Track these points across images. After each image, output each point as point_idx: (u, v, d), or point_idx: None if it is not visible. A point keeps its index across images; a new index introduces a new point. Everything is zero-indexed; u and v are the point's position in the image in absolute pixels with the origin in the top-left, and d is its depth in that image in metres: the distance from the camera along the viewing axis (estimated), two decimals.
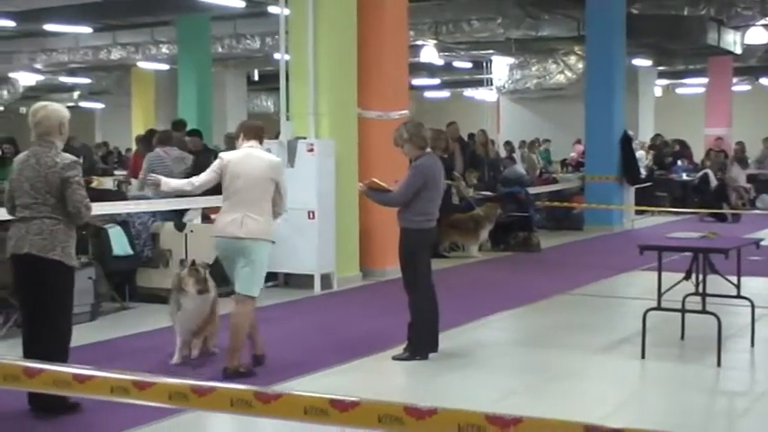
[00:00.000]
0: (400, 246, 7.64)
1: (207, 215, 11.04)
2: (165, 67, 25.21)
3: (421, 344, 7.69)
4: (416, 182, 7.54)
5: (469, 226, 14.44)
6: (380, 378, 7.36)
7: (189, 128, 14.50)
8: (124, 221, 10.33)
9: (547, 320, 9.83)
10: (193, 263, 7.78)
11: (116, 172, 19.42)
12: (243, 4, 16.35)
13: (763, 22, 20.74)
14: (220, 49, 22.87)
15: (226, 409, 2.58)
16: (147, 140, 13.54)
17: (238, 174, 7.04)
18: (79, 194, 5.93)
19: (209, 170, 7.25)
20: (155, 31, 23.12)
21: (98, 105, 35.76)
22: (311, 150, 11.25)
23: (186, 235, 10.52)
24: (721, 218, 20.39)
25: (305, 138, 11.42)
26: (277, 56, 11.71)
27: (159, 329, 9.10)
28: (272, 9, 14.71)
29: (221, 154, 7.62)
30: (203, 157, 13.80)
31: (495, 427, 2.02)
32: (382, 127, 11.88)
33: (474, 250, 14.64)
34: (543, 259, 14.60)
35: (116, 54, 24.11)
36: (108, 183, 15.58)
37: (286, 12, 11.71)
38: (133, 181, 14.18)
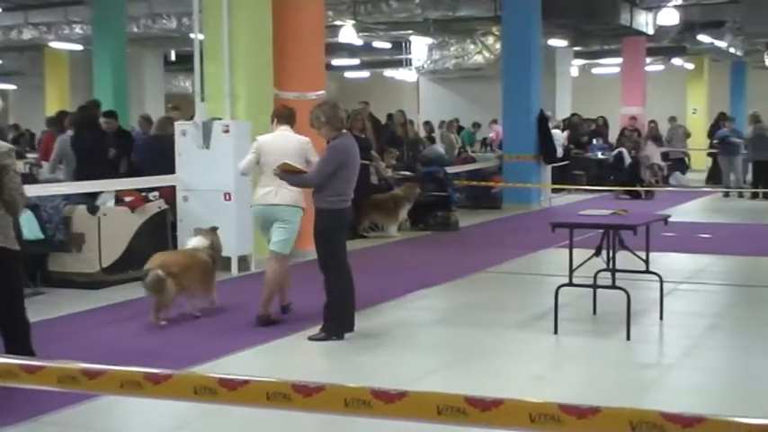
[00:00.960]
0: (315, 226, 7.64)
1: (120, 198, 10.88)
2: (80, 47, 24.69)
3: (337, 324, 7.70)
4: (333, 162, 7.54)
5: (389, 206, 14.50)
6: (295, 358, 7.36)
7: (104, 109, 14.26)
8: (35, 205, 10.11)
9: (464, 298, 9.94)
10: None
11: (28, 155, 18.98)
12: None
13: (674, 3, 21.12)
14: (136, 29, 22.49)
15: (189, 396, 2.47)
16: (59, 122, 13.28)
17: (271, 151, 8.21)
18: (15, 182, 5.95)
19: (250, 152, 8.44)
20: (68, 10, 22.63)
21: (11, 87, 34.91)
22: (227, 131, 11.15)
23: (99, 218, 10.36)
24: (635, 195, 20.80)
25: (221, 119, 11.31)
26: (200, 36, 11.55)
27: (73, 314, 8.98)
28: None
29: (257, 137, 8.79)
30: (126, 140, 13.64)
31: (379, 402, 2.03)
32: (300, 108, 11.59)
33: (393, 230, 14.71)
34: (462, 238, 14.73)
35: (28, 34, 23.54)
36: (19, 165, 15.21)
37: None
38: (44, 164, 13.91)
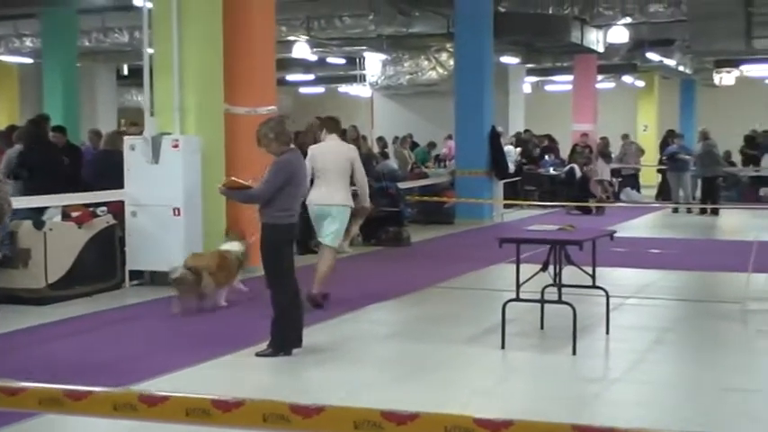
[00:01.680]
0: (261, 241, 7.61)
1: (67, 213, 10.75)
2: (30, 60, 24.44)
3: (284, 339, 7.67)
4: (280, 177, 7.53)
5: None
6: (241, 375, 7.31)
7: (54, 123, 14.13)
8: None
9: (414, 313, 9.95)
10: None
11: None
12: None
13: (623, 21, 21.40)
14: (88, 43, 22.33)
15: (108, 413, 2.47)
16: (7, 136, 13.13)
17: (323, 158, 9.58)
18: (3, 191, 6.09)
19: (306, 162, 8.90)
20: (18, 23, 22.40)
21: None
22: (176, 146, 11.09)
23: (45, 233, 10.23)
24: (586, 211, 20.98)
25: (170, 134, 11.24)
26: (150, 50, 11.50)
27: (19, 330, 8.86)
28: (137, 2, 14.44)
29: (309, 147, 9.93)
30: (75, 154, 13.51)
31: (297, 417, 2.03)
32: (250, 123, 11.72)
33: (345, 245, 14.57)
34: (413, 253, 14.76)
35: None
36: None
37: (149, 5, 11.51)
38: None
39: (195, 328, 8.97)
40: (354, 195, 15.22)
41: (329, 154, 9.69)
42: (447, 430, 2.07)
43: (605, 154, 24.39)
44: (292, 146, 7.82)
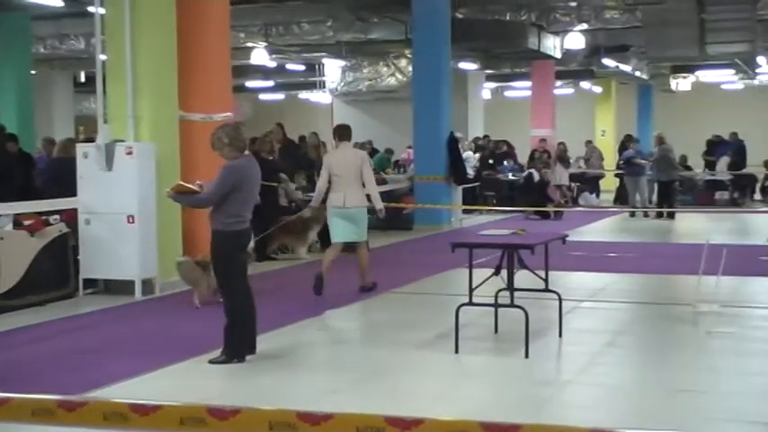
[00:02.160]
0: (212, 248, 7.59)
1: (19, 221, 10.64)
2: None
3: (237, 346, 7.64)
4: (226, 183, 7.51)
5: (297, 227, 14.47)
6: (193, 382, 7.27)
7: (8, 131, 14.00)
8: None
9: (370, 319, 9.99)
10: None
11: None
12: (62, 3, 15.86)
13: (580, 27, 21.58)
14: (43, 50, 22.14)
15: (27, 419, 2.47)
16: None
17: (338, 165, 10.66)
18: None
19: (322, 171, 10.83)
20: None
21: None
22: (130, 153, 11.02)
23: None
24: (545, 215, 21.12)
25: (124, 141, 11.17)
26: (103, 57, 11.42)
27: None
28: (91, 8, 14.34)
29: (324, 155, 11.51)
30: (27, 163, 13.38)
31: (214, 419, 2.03)
32: (205, 129, 11.60)
33: (302, 252, 14.68)
34: (372, 259, 14.70)
35: None
36: None
37: (101, 11, 11.44)
38: None
39: (151, 336, 8.93)
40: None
41: (343, 160, 10.79)
42: (359, 430, 2.08)
43: (564, 159, 24.60)
44: (247, 152, 7.79)
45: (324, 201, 11.04)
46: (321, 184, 11.00)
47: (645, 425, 5.93)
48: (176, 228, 11.79)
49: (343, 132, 11.04)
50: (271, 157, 14.63)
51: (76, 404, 2.21)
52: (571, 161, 25.83)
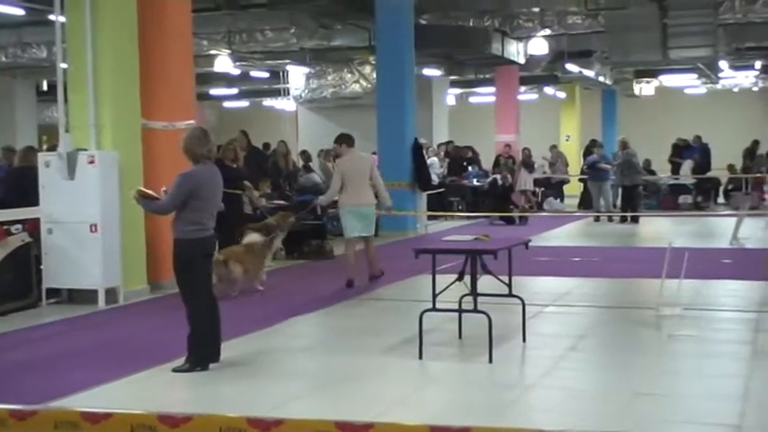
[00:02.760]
0: (173, 257, 7.60)
1: None
2: None
3: (201, 354, 7.65)
4: (182, 190, 7.53)
5: (262, 234, 14.43)
6: (156, 391, 7.27)
7: None
8: None
9: (334, 326, 10.03)
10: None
11: None
12: (23, 12, 15.78)
13: (543, 33, 21.75)
14: (5, 59, 21.99)
15: None
16: None
17: (350, 169, 12.26)
18: None
19: (335, 176, 12.50)
20: None
21: None
22: (92, 162, 10.99)
23: None
24: (510, 220, 21.24)
25: (86, 149, 11.14)
26: (64, 65, 11.38)
27: None
28: (52, 17, 14.30)
29: (338, 161, 12.72)
30: None
31: (165, 426, 2.06)
32: (168, 137, 11.77)
33: (267, 259, 14.63)
34: (336, 266, 14.74)
35: None
36: None
37: (62, 19, 11.40)
38: None
39: (114, 345, 8.91)
40: (280, 208, 15.49)
41: (354, 164, 12.41)
42: (222, 431, 2.14)
43: (528, 164, 24.74)
44: (207, 161, 7.78)
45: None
46: (335, 187, 12.46)
47: (606, 427, 6.01)
48: (140, 236, 11.77)
49: (348, 140, 12.57)
50: (235, 165, 14.60)
51: (27, 413, 2.22)
52: (536, 166, 26.00)
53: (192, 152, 7.65)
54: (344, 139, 12.62)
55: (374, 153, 24.25)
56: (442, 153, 25.52)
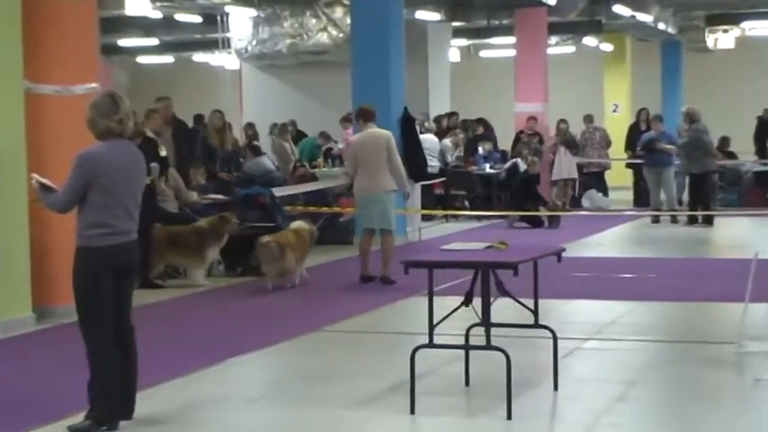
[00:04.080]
0: (72, 271, 7.58)
1: None
2: None
3: (107, 408, 7.62)
4: (78, 180, 7.49)
5: (191, 243, 14.44)
6: None
7: None
8: None
9: (294, 367, 10.04)
10: None
11: None
12: None
13: None
14: None
15: None
16: None
17: (363, 150, 14.03)
18: None
19: (348, 158, 14.67)
20: None
21: None
22: None
23: None
24: (536, 222, 21.26)
25: None
26: None
27: None
28: None
29: (351, 140, 15.09)
30: None
31: None
32: (62, 106, 11.77)
33: (199, 276, 14.65)
34: (295, 285, 14.77)
35: None
36: None
37: None
38: None
39: (10, 390, 8.91)
40: (218, 205, 15.59)
41: (369, 143, 14.06)
42: None
43: (571, 143, 24.69)
44: (118, 137, 7.74)
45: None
46: (350, 172, 14.37)
47: None
48: (23, 245, 11.73)
49: (366, 114, 14.36)
50: (163, 153, 14.65)
51: None
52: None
53: (95, 125, 7.63)
54: (361, 114, 14.50)
55: (347, 119, 24.35)
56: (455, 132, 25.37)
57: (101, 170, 7.57)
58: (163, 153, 14.65)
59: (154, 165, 13.80)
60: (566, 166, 24.02)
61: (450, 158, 24.12)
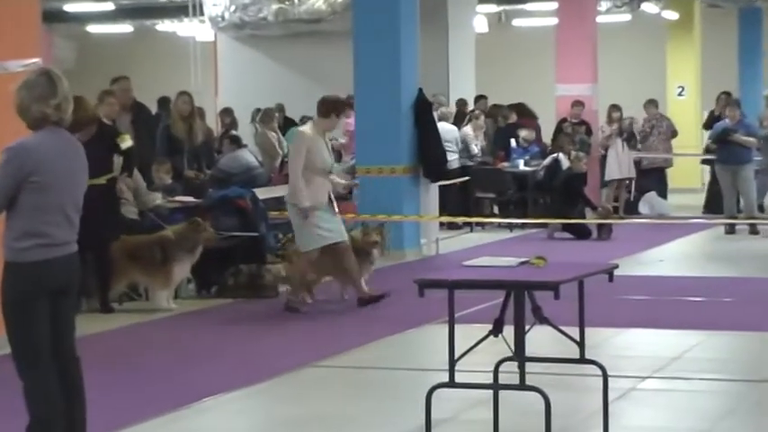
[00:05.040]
0: (0, 292, 7.56)
1: None
2: None
3: None
4: (7, 178, 7.43)
5: (154, 257, 14.42)
6: None
7: None
8: None
9: (277, 412, 10.08)
10: None
11: None
12: None
13: None
14: None
15: None
16: None
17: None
18: None
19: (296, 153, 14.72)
20: None
21: None
22: None
23: None
24: (581, 232, 21.22)
25: None
26: None
27: None
28: None
29: (302, 132, 15.16)
30: None
31: None
32: None
33: (163, 299, 14.63)
34: (282, 309, 14.80)
35: None
36: None
37: None
38: None
39: None
40: (188, 211, 15.62)
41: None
42: None
43: (629, 134, 24.63)
44: (57, 126, 7.75)
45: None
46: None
47: None
48: None
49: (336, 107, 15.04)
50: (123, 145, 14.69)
51: None
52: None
53: (27, 112, 7.61)
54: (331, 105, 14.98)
55: (349, 103, 24.36)
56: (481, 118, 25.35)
57: (36, 167, 7.53)
58: (127, 143, 14.68)
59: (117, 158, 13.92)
60: (624, 163, 24.00)
61: (475, 151, 24.06)
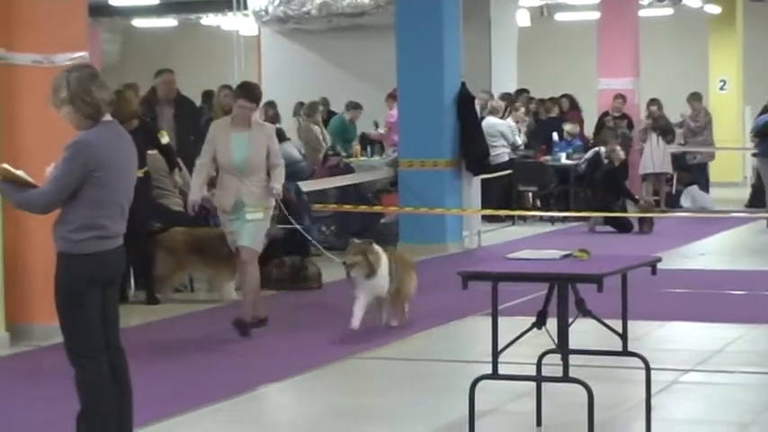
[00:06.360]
0: (55, 283, 7.60)
1: None
2: None
3: None
4: (73, 173, 7.46)
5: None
6: None
7: None
8: None
9: (322, 403, 10.06)
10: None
11: None
12: None
13: None
14: None
15: None
16: None
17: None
18: None
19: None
20: None
21: None
22: None
23: None
24: (623, 225, 21.19)
25: None
26: None
27: None
28: None
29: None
30: None
31: None
32: (41, 79, 11.72)
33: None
34: (326, 301, 14.83)
35: None
36: None
37: None
38: None
39: None
40: None
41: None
42: None
43: (665, 129, 24.56)
44: (107, 118, 7.77)
45: None
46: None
47: None
48: None
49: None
50: (165, 140, 14.74)
51: None
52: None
53: (87, 97, 7.56)
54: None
55: (392, 96, 24.34)
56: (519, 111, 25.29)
57: (100, 162, 7.55)
58: (165, 140, 14.74)
59: (153, 152, 13.93)
60: (657, 157, 23.91)
61: (519, 142, 24.02)
